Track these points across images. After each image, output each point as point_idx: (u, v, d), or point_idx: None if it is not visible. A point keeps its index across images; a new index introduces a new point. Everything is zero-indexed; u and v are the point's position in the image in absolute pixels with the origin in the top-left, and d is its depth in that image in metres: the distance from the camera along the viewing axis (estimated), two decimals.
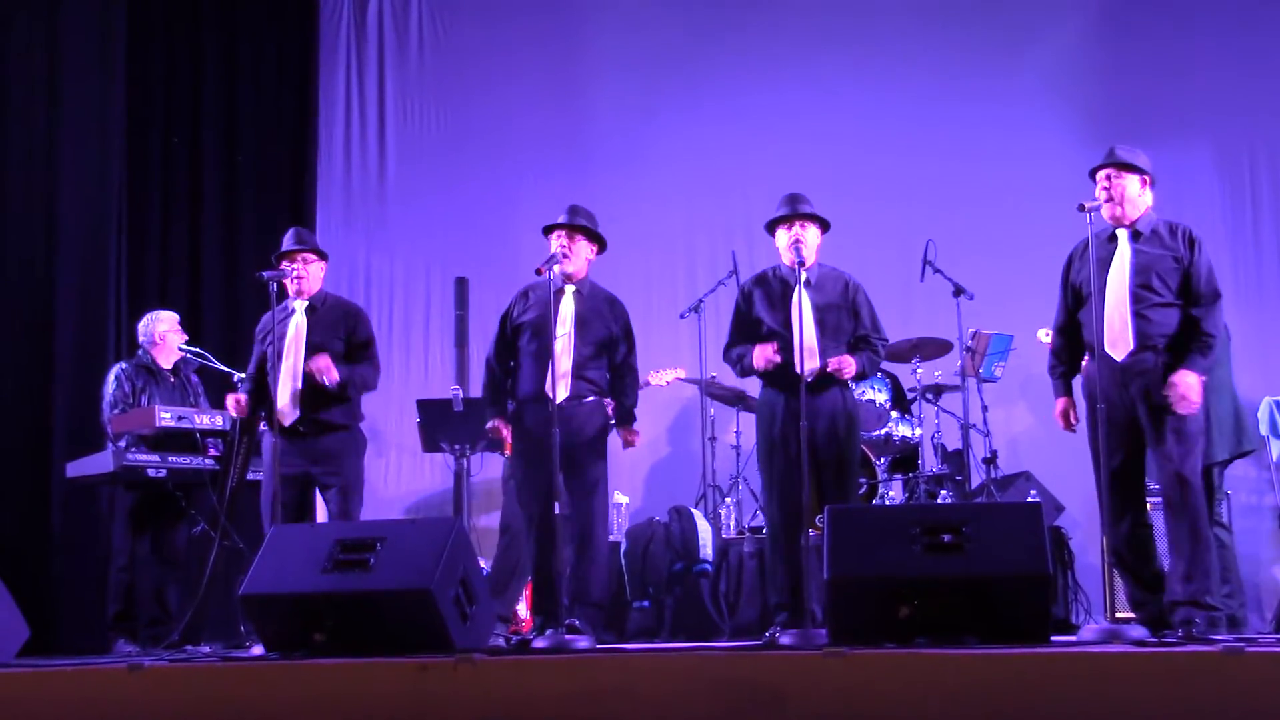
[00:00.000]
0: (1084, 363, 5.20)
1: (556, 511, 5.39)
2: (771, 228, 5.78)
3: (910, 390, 7.49)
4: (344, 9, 9.04)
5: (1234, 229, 8.10)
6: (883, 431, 7.20)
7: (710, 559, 6.75)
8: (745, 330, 5.80)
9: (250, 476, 6.35)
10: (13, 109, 7.96)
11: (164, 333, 6.84)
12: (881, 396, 7.23)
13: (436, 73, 9.03)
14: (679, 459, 8.22)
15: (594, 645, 5.07)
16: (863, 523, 4.62)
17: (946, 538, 4.43)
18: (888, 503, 7.18)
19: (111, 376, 6.74)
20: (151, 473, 6.41)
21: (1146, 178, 5.12)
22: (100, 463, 6.45)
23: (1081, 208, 4.97)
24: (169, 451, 6.46)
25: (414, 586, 4.45)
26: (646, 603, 6.74)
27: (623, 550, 6.84)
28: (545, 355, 5.64)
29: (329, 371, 5.87)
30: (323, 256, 6.24)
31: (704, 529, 6.83)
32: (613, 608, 6.55)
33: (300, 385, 5.90)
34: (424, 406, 7.69)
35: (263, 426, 6.12)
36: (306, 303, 6.12)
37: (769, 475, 5.68)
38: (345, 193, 8.91)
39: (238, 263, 8.37)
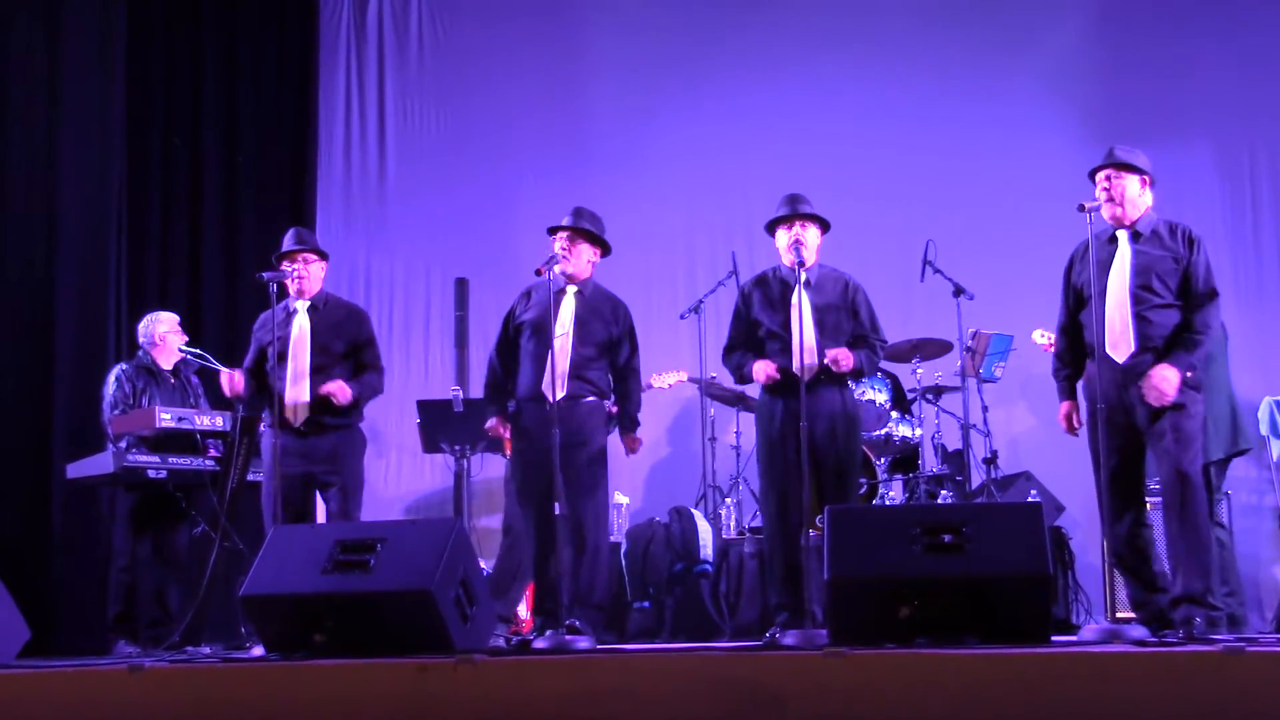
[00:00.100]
0: (1085, 364, 5.20)
1: (557, 512, 5.40)
2: (771, 228, 5.78)
3: (910, 390, 7.49)
4: (344, 9, 9.04)
5: (1234, 229, 8.10)
6: (883, 432, 7.20)
7: (710, 559, 6.75)
8: (745, 332, 5.81)
9: (250, 477, 6.35)
10: (13, 109, 7.96)
11: (164, 334, 6.84)
12: (881, 397, 7.23)
13: (436, 73, 9.03)
14: (679, 459, 8.22)
15: (594, 646, 5.07)
16: (863, 523, 4.62)
17: (947, 538, 4.42)
18: (888, 503, 7.18)
19: (112, 377, 6.74)
20: (152, 474, 6.40)
21: (1146, 178, 5.12)
22: (100, 464, 6.44)
23: (1081, 208, 4.96)
24: (169, 452, 6.46)
25: (414, 587, 4.45)
26: (647, 603, 6.74)
27: (623, 551, 6.84)
28: (544, 355, 5.66)
29: (341, 393, 5.94)
30: (323, 256, 6.24)
31: (704, 529, 6.82)
32: (613, 608, 6.55)
33: (309, 398, 5.92)
34: (424, 407, 7.70)
35: (262, 427, 6.12)
36: (308, 303, 6.13)
37: (768, 476, 5.69)
38: (345, 193, 8.91)
39: (238, 263, 8.37)
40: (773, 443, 5.63)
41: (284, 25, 8.89)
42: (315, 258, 6.18)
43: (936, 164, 8.27)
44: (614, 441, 6.00)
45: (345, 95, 8.98)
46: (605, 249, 5.94)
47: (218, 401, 7.14)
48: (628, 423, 5.88)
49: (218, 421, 6.48)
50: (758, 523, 7.21)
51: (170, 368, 6.85)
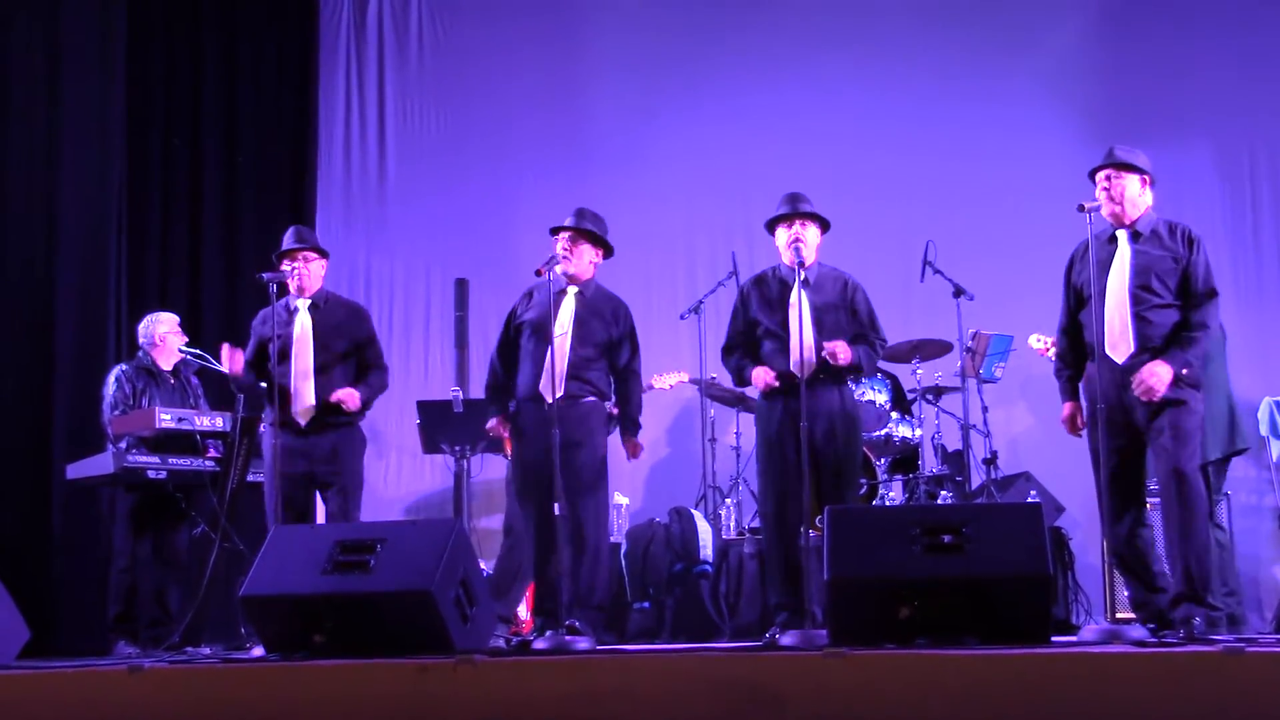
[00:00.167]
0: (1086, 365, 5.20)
1: (557, 513, 5.40)
2: (771, 226, 5.78)
3: (910, 391, 7.49)
4: (344, 9, 9.04)
5: (1234, 229, 8.10)
6: (883, 432, 7.20)
7: (710, 560, 6.75)
8: (743, 331, 5.81)
9: (250, 478, 6.35)
10: (13, 109, 7.96)
11: (164, 334, 6.84)
12: (881, 397, 7.23)
13: (436, 73, 9.03)
14: (679, 460, 8.21)
15: (594, 646, 5.07)
16: (863, 523, 4.62)
17: (947, 538, 4.43)
18: (888, 503, 7.18)
19: (112, 378, 6.74)
20: (152, 474, 6.40)
21: (1146, 177, 5.11)
22: (100, 464, 6.45)
23: (1081, 208, 4.96)
24: (169, 453, 6.46)
25: (414, 588, 4.45)
26: (647, 604, 6.74)
27: (623, 551, 6.84)
28: (543, 355, 5.67)
29: (352, 402, 5.98)
30: (323, 255, 6.25)
31: (704, 530, 6.82)
32: (613, 609, 6.54)
33: (315, 398, 5.94)
34: (424, 408, 7.70)
35: (262, 428, 6.13)
36: (309, 301, 6.13)
37: (767, 476, 5.69)
38: (345, 193, 8.91)
39: (238, 263, 8.37)
40: (771, 443, 5.63)
41: (284, 25, 8.89)
42: (315, 256, 6.19)
43: (936, 164, 8.27)
44: (615, 442, 6.00)
45: (345, 95, 8.98)
46: (607, 250, 5.94)
47: (217, 402, 7.15)
48: (629, 425, 5.88)
49: (217, 422, 6.48)
50: (758, 523, 7.20)
51: (170, 368, 6.85)
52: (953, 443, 7.44)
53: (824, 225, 5.75)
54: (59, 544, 7.57)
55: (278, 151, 8.77)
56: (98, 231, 7.97)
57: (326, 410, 5.97)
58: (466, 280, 8.70)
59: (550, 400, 5.57)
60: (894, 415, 7.26)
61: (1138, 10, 8.37)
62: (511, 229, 8.53)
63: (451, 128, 8.96)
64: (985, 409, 7.25)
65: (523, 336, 5.86)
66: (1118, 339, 4.99)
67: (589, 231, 5.85)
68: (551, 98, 8.81)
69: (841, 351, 5.48)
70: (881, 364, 7.34)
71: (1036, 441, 7.82)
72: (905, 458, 7.54)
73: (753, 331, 5.77)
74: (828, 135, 8.36)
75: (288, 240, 6.19)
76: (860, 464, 6.18)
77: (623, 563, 6.81)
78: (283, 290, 6.12)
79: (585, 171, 8.59)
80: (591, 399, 5.76)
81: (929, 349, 7.35)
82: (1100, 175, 5.12)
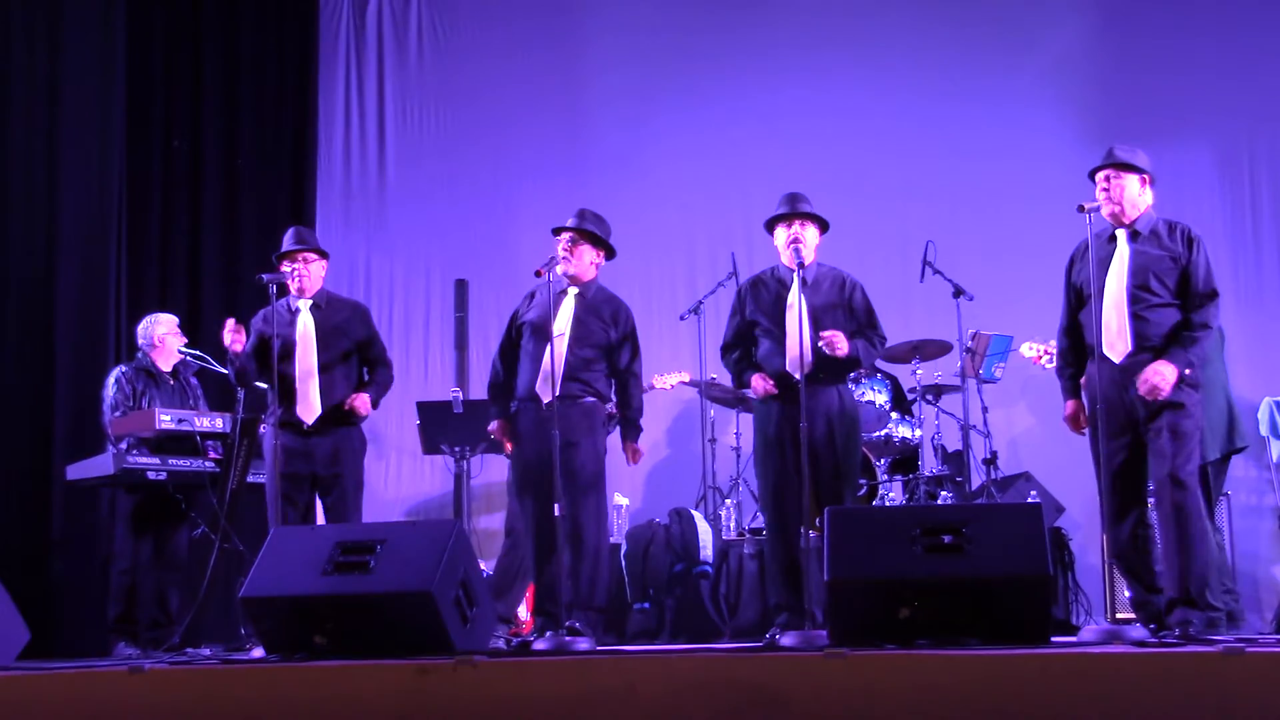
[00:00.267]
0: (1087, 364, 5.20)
1: (557, 514, 5.40)
2: (770, 226, 5.78)
3: (910, 391, 7.49)
4: (344, 9, 9.04)
5: (1233, 229, 8.10)
6: (883, 433, 7.20)
7: (710, 560, 6.75)
8: (742, 332, 5.81)
9: (250, 479, 6.35)
10: (13, 109, 7.96)
11: (163, 335, 6.83)
12: (881, 398, 7.23)
13: (436, 73, 9.03)
14: (679, 461, 8.21)
15: (594, 647, 5.07)
16: (863, 524, 4.62)
17: (947, 539, 4.43)
18: (888, 504, 7.18)
19: (112, 379, 6.74)
20: (152, 475, 6.40)
21: (1146, 177, 5.11)
22: (101, 465, 6.44)
23: (1081, 208, 4.97)
24: (169, 454, 6.46)
25: (414, 589, 4.45)
26: (647, 604, 6.74)
27: (623, 552, 6.84)
28: (541, 355, 5.67)
29: (364, 408, 6.03)
30: (323, 255, 6.25)
31: (704, 530, 6.82)
32: (613, 609, 6.55)
33: (321, 399, 5.96)
34: (424, 408, 7.70)
35: (263, 429, 6.13)
36: (310, 301, 6.14)
37: (766, 478, 5.69)
38: (345, 194, 8.91)
39: (238, 264, 8.36)
40: (770, 444, 5.63)
41: (284, 25, 8.88)
42: (315, 257, 6.19)
43: (936, 164, 8.27)
44: (615, 443, 6.00)
45: (345, 95, 8.98)
46: (609, 251, 5.94)
47: (217, 403, 7.15)
48: (629, 428, 5.88)
49: (217, 423, 6.48)
50: (758, 524, 7.21)
51: (169, 369, 6.85)
52: (953, 443, 7.44)
53: (823, 225, 5.75)
54: (59, 545, 7.57)
55: (278, 152, 8.76)
56: (98, 232, 7.97)
57: (334, 414, 5.97)
58: (466, 281, 8.70)
59: (545, 401, 5.58)
60: (894, 415, 7.26)
61: (1138, 10, 8.37)
62: (511, 229, 8.54)
63: (451, 128, 8.96)
64: (985, 409, 7.25)
65: (524, 337, 5.86)
66: (1115, 338, 4.99)
67: (590, 233, 5.86)
68: (552, 98, 8.81)
69: (840, 342, 5.47)
70: (881, 364, 7.35)
71: (1036, 442, 7.82)
72: (905, 458, 7.54)
73: (750, 332, 5.77)
74: (827, 136, 8.36)
75: (288, 241, 6.19)
76: (860, 464, 6.18)
77: (623, 563, 6.81)
78: (283, 291, 6.12)
79: (585, 172, 8.59)
80: (590, 400, 5.76)
81: (929, 349, 7.34)
82: (1100, 175, 5.12)
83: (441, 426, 7.54)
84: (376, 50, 9.04)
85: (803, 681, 3.80)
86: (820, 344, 5.46)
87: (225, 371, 6.75)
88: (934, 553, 4.41)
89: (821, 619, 4.98)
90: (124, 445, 6.43)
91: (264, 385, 6.09)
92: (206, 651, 5.93)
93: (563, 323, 5.74)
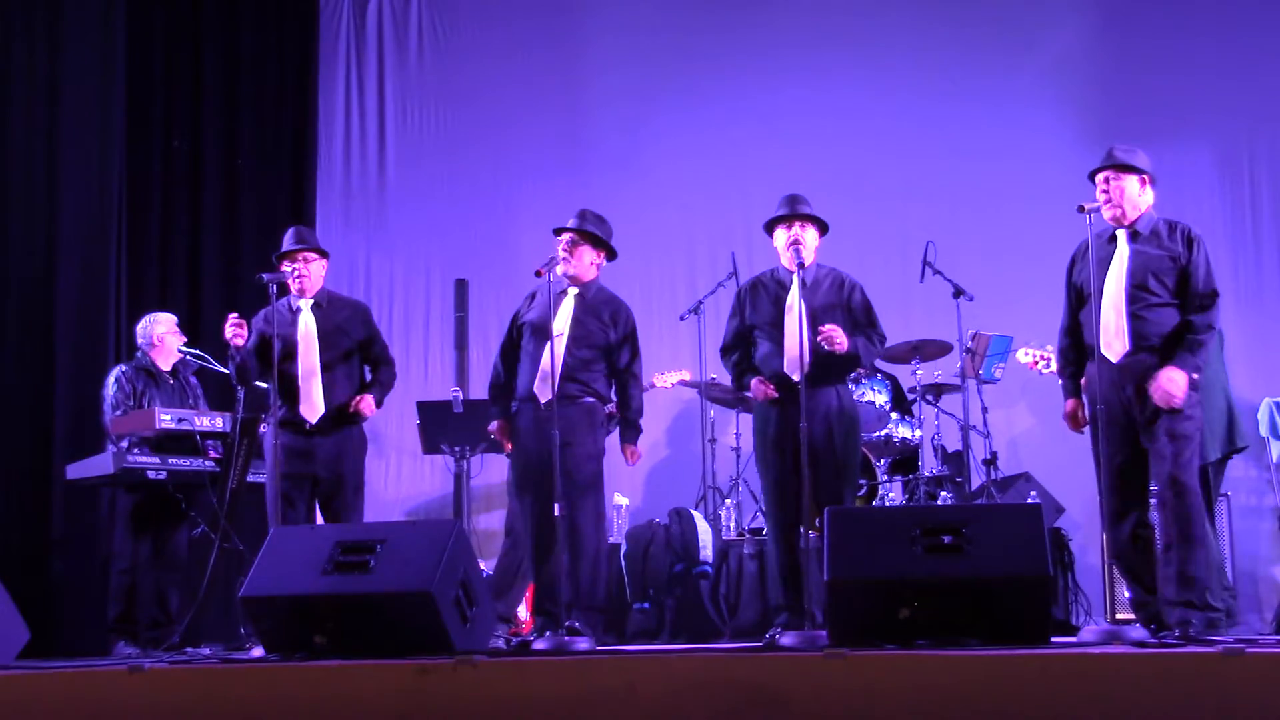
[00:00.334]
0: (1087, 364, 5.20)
1: (557, 514, 5.40)
2: (770, 228, 5.78)
3: (910, 391, 7.49)
4: (344, 9, 9.04)
5: (1233, 229, 8.10)
6: (883, 433, 7.20)
7: (710, 560, 6.75)
8: (741, 334, 5.81)
9: (250, 478, 6.35)
10: (13, 109, 7.96)
11: (162, 334, 6.83)
12: (881, 398, 7.23)
13: (436, 73, 9.03)
14: (679, 461, 8.21)
15: (594, 647, 5.07)
16: (863, 524, 4.62)
17: (947, 539, 4.43)
18: (887, 504, 7.18)
19: (111, 379, 6.73)
20: (152, 475, 6.40)
21: (1146, 177, 5.11)
22: (100, 465, 6.44)
23: (1081, 209, 4.97)
24: (169, 453, 6.45)
25: (414, 588, 4.45)
26: (647, 604, 6.74)
27: (623, 552, 6.84)
28: (540, 355, 5.67)
29: (369, 409, 6.05)
30: (323, 255, 6.25)
31: (704, 531, 6.82)
32: (613, 609, 6.55)
33: (324, 398, 5.97)
34: (424, 408, 7.70)
35: (263, 428, 6.13)
36: (311, 301, 6.14)
37: (766, 478, 5.70)
38: (345, 193, 8.91)
39: (238, 263, 8.36)
40: (770, 445, 5.64)
41: (284, 25, 8.88)
42: (316, 256, 6.20)
43: (936, 164, 8.27)
44: (614, 443, 6.00)
45: (345, 95, 8.98)
46: (609, 253, 5.94)
47: (217, 402, 7.15)
48: (628, 429, 5.87)
49: (217, 423, 6.48)
50: (758, 524, 7.22)
51: (169, 369, 6.85)
52: (952, 443, 7.44)
53: (822, 227, 5.75)
54: (59, 544, 7.57)
55: (278, 152, 8.76)
56: (97, 232, 7.97)
57: (336, 414, 5.98)
58: (466, 281, 8.70)
59: (542, 401, 5.59)
60: (894, 416, 7.26)
61: (1137, 10, 8.37)
62: (511, 229, 8.54)
63: (451, 128, 8.96)
64: (985, 410, 7.25)
65: (524, 337, 5.87)
66: (1113, 338, 5.00)
67: (590, 234, 5.85)
68: (552, 98, 8.81)
69: (838, 337, 5.45)
70: (881, 364, 7.35)
71: (1036, 442, 7.82)
72: (905, 458, 7.54)
73: (750, 334, 5.77)
74: (827, 136, 8.36)
75: (288, 241, 6.19)
76: (860, 464, 6.18)
77: (623, 563, 6.81)
78: (283, 291, 6.13)
79: (585, 172, 8.59)
80: (589, 400, 5.76)
81: (929, 350, 7.34)
82: (1100, 177, 5.12)
83: (441, 426, 7.54)
84: (376, 50, 9.04)
85: (803, 682, 3.80)
86: (819, 339, 5.45)
87: (226, 371, 6.76)
88: (934, 553, 4.41)
89: (821, 619, 4.97)
90: (124, 444, 6.43)
91: (264, 385, 6.09)
92: (206, 651, 5.93)
93: (562, 323, 5.74)
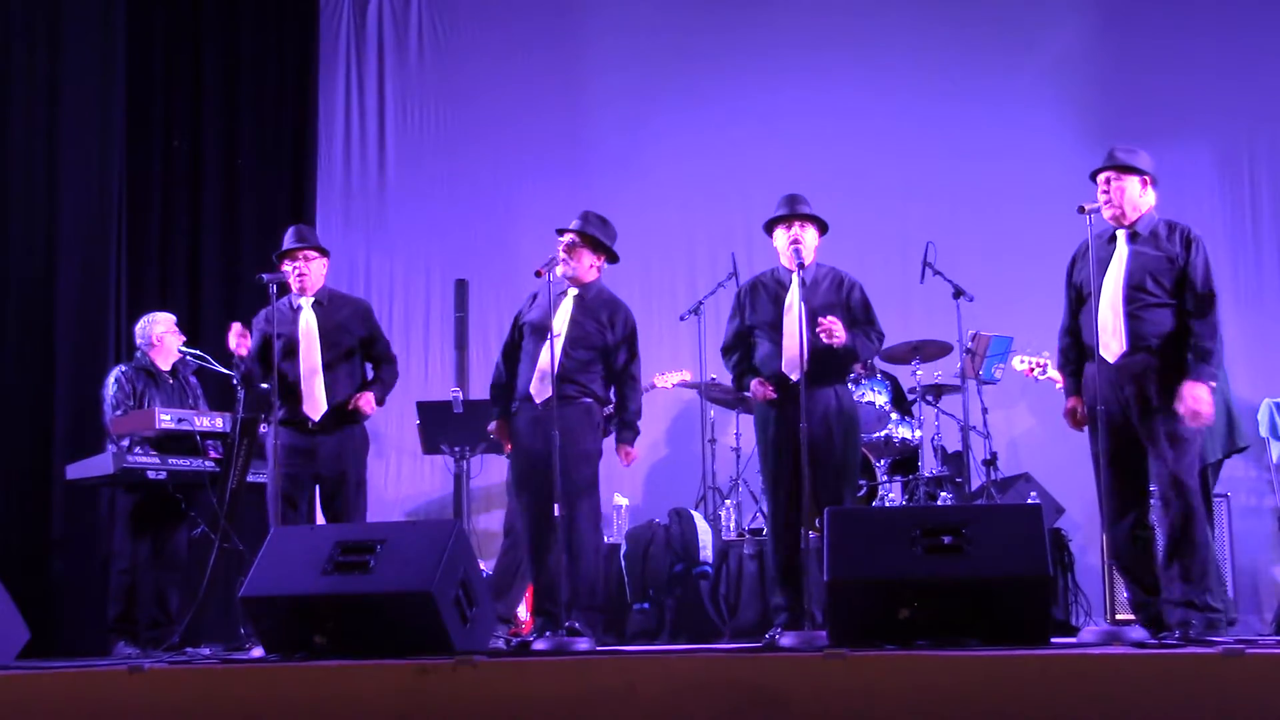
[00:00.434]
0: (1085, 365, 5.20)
1: (556, 514, 5.40)
2: (770, 228, 5.78)
3: (910, 392, 7.49)
4: (344, 9, 9.04)
5: (1233, 229, 8.11)
6: (882, 433, 7.20)
7: (710, 561, 6.75)
8: (741, 333, 5.82)
9: (251, 478, 6.35)
10: (13, 109, 7.96)
11: (161, 334, 6.83)
12: (881, 398, 7.23)
13: (436, 73, 9.04)
14: (679, 461, 8.22)
15: (594, 647, 5.07)
16: (863, 524, 4.62)
17: (947, 540, 4.43)
18: (887, 504, 7.18)
19: (111, 379, 6.73)
20: (152, 475, 6.40)
21: (1147, 178, 5.11)
22: (100, 465, 6.44)
23: (1081, 209, 4.97)
24: (169, 453, 6.45)
25: (414, 589, 4.45)
26: (646, 605, 6.74)
27: (623, 552, 6.84)
28: (538, 356, 5.68)
29: (369, 407, 6.04)
30: (324, 254, 6.25)
31: (704, 531, 6.82)
32: (613, 609, 6.55)
33: (326, 396, 5.97)
34: (424, 408, 7.70)
35: (263, 429, 6.13)
36: (312, 299, 6.14)
37: (767, 478, 5.71)
38: (345, 193, 8.91)
39: (238, 263, 8.36)
40: (770, 445, 5.64)
41: (284, 25, 8.89)
42: (316, 255, 6.20)
43: (936, 165, 8.28)
44: (612, 444, 5.99)
45: (345, 95, 8.98)
46: (610, 255, 5.93)
47: (217, 402, 7.15)
48: (624, 429, 5.86)
49: (217, 423, 6.48)
50: (757, 524, 7.22)
51: (168, 369, 6.85)
52: (952, 444, 7.44)
53: (822, 227, 5.75)
54: (59, 545, 7.57)
55: (278, 152, 8.77)
56: (98, 232, 7.97)
57: (337, 412, 5.98)
58: (466, 281, 8.70)
59: (537, 401, 5.60)
60: (894, 416, 7.26)
61: (1137, 10, 8.38)
62: (511, 230, 8.55)
63: (451, 128, 8.96)
64: (985, 410, 7.25)
65: (524, 337, 5.88)
66: (1110, 338, 4.99)
67: (590, 237, 5.85)
68: (552, 98, 8.82)
69: (837, 329, 5.45)
70: (881, 365, 7.35)
71: (1036, 443, 7.82)
72: (905, 459, 7.54)
73: (750, 333, 5.78)
74: (827, 136, 8.37)
75: (288, 240, 6.19)
76: (860, 465, 6.18)
77: (623, 563, 6.81)
78: (284, 290, 6.13)
79: (585, 172, 8.59)
80: (586, 401, 5.75)
81: (929, 350, 7.35)
82: (1101, 178, 5.12)
83: (441, 426, 7.54)
84: (376, 50, 9.05)
85: (802, 682, 3.80)
86: (818, 331, 5.45)
87: (226, 371, 6.77)
88: (934, 553, 4.41)
89: (821, 619, 4.97)
90: (124, 444, 6.42)
91: (267, 386, 6.08)
92: (206, 651, 5.93)
93: (560, 324, 5.73)
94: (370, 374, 6.26)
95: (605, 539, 6.60)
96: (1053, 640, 4.40)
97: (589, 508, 5.69)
